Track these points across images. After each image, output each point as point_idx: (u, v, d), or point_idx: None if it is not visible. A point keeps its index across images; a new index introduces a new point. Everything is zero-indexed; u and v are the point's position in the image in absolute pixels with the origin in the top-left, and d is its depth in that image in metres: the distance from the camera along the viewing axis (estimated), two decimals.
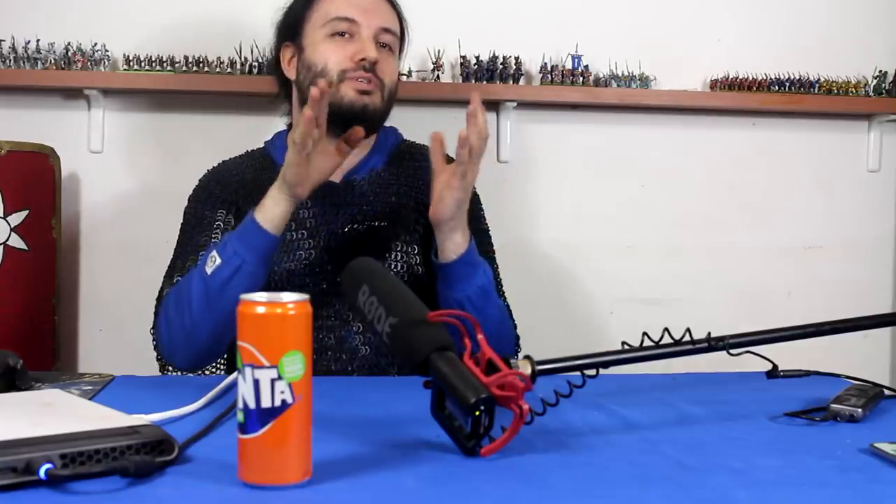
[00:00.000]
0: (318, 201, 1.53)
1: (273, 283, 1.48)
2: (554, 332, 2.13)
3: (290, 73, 1.58)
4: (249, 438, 0.78)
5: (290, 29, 1.58)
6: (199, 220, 1.55)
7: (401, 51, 1.62)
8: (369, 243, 1.52)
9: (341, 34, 1.51)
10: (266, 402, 0.77)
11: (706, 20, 2.26)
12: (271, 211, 1.37)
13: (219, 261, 1.36)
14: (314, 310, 1.47)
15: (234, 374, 0.81)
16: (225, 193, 1.56)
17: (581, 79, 2.16)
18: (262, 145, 1.66)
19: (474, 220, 1.59)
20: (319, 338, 1.48)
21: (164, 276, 1.54)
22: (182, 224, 1.59)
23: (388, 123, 1.65)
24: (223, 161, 1.65)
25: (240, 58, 2.06)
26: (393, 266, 1.52)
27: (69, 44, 2.02)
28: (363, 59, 1.49)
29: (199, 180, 1.62)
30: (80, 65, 2.01)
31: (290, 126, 1.66)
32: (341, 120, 1.46)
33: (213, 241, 1.51)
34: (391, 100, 1.55)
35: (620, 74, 2.17)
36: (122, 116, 2.12)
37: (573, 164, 2.25)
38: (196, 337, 1.40)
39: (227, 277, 1.35)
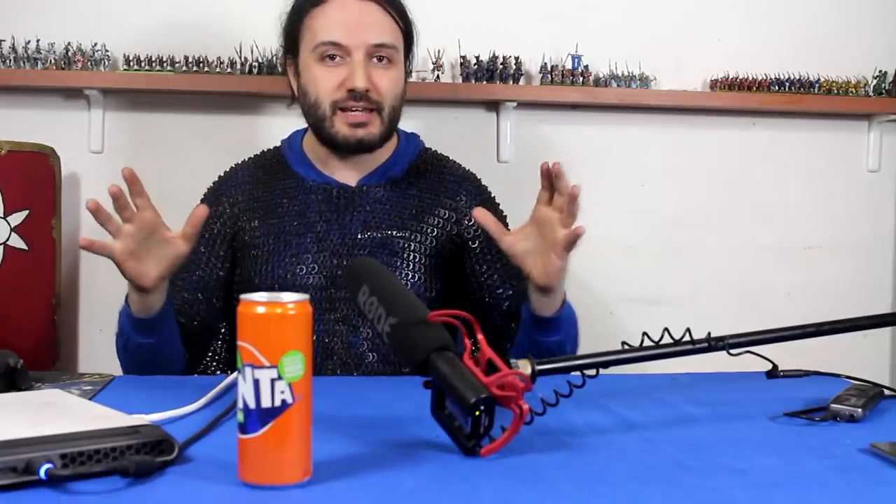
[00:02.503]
0: (330, 205, 1.52)
1: (282, 287, 1.47)
2: None
3: (295, 87, 1.56)
4: (249, 438, 0.78)
5: (289, 42, 1.55)
6: None
7: (409, 51, 1.57)
8: (384, 252, 1.50)
9: (331, 57, 1.47)
10: (266, 402, 0.77)
11: (706, 20, 2.26)
12: (136, 304, 1.33)
13: (117, 327, 1.41)
14: (323, 314, 1.48)
15: (234, 374, 0.81)
16: (222, 208, 1.56)
17: (581, 79, 2.16)
18: (278, 144, 1.65)
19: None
20: (326, 341, 1.47)
21: None
22: None
23: (410, 130, 1.65)
24: (235, 165, 1.64)
25: (240, 58, 2.06)
26: (410, 278, 1.50)
27: (69, 44, 2.02)
28: (353, 90, 1.45)
29: (205, 191, 1.62)
30: (80, 65, 2.01)
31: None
32: (339, 152, 1.52)
33: (194, 266, 1.52)
34: (394, 116, 1.51)
35: (620, 74, 2.17)
36: (122, 116, 2.12)
37: (573, 164, 2.23)
38: (128, 367, 1.45)
39: (124, 342, 1.40)
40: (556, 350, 1.37)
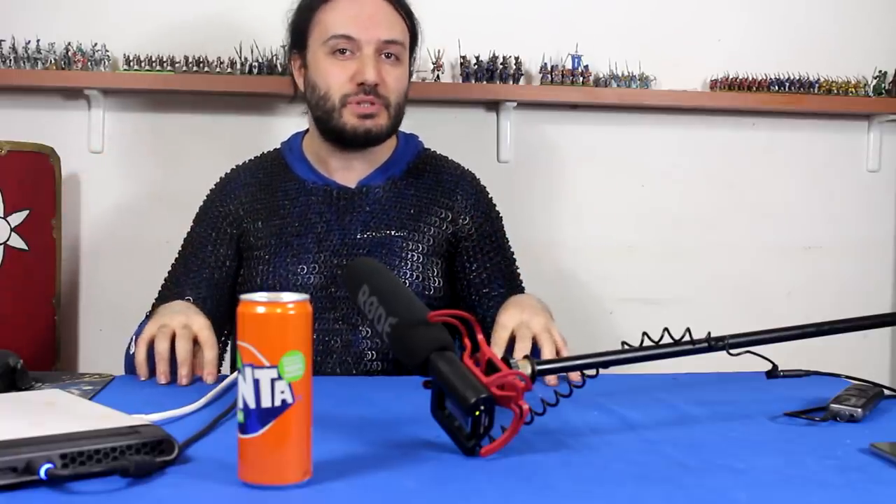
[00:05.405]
0: (329, 206, 1.53)
1: (281, 286, 1.49)
2: None
3: (300, 83, 1.57)
4: (249, 438, 0.78)
5: (297, 38, 1.55)
6: (195, 240, 1.58)
7: (412, 51, 1.58)
8: (383, 251, 1.51)
9: (342, 51, 1.48)
10: (266, 402, 0.77)
11: (706, 20, 2.26)
12: None
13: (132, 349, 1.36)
14: (323, 312, 1.48)
15: (234, 374, 0.81)
16: (228, 208, 1.57)
17: (581, 79, 2.16)
18: (278, 146, 1.65)
19: (499, 248, 1.60)
20: (325, 340, 1.48)
21: (156, 299, 1.56)
22: (185, 237, 1.61)
23: (410, 130, 1.66)
24: (236, 166, 1.64)
25: (240, 58, 2.06)
26: (408, 277, 1.51)
27: (69, 44, 2.02)
28: (362, 84, 1.46)
29: (209, 191, 1.62)
30: (80, 65, 2.01)
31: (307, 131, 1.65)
32: (345, 144, 1.51)
33: (203, 265, 1.53)
34: (400, 112, 1.53)
35: (620, 74, 2.17)
36: (122, 116, 2.12)
37: (573, 164, 2.25)
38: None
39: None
40: None
